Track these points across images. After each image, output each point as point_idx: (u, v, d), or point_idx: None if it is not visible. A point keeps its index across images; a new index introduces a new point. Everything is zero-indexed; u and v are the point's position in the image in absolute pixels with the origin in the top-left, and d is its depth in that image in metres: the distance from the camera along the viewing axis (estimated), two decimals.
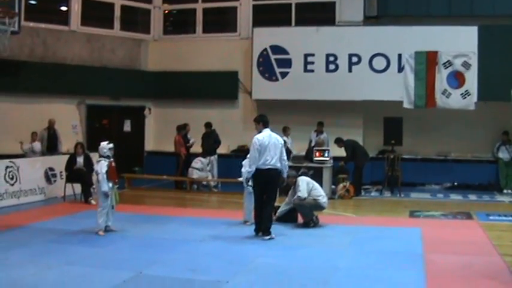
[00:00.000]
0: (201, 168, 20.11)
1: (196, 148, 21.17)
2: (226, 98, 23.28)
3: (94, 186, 16.98)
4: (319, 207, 13.73)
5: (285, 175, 12.80)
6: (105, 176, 12.54)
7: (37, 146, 19.95)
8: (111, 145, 12.87)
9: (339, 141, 19.47)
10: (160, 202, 18.02)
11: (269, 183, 12.30)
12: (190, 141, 21.09)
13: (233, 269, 9.68)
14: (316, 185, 14.01)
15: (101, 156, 12.85)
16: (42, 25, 21.59)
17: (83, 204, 16.56)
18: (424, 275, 9.39)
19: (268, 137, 12.35)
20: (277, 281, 9.09)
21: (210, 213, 15.85)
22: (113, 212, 12.73)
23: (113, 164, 12.77)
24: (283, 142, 12.77)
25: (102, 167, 12.61)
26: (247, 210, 13.59)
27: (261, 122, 12.62)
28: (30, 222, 13.69)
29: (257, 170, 12.15)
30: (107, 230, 12.55)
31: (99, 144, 12.96)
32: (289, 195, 13.98)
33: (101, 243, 11.56)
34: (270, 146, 12.21)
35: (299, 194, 13.47)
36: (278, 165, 12.31)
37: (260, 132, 12.49)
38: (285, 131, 19.92)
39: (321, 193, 13.81)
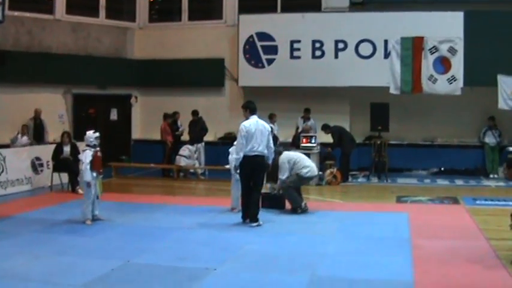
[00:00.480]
0: (189, 156, 20.12)
1: (184, 136, 21.16)
2: (212, 86, 23.27)
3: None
4: (304, 179, 13.71)
5: (270, 162, 12.79)
6: (88, 166, 12.45)
7: (24, 139, 19.85)
8: (97, 134, 12.78)
9: (325, 128, 19.51)
10: (147, 190, 17.98)
11: (256, 170, 12.29)
12: (180, 129, 21.10)
13: (221, 256, 9.70)
14: (300, 157, 13.99)
15: (87, 145, 12.77)
16: (27, 14, 21.47)
17: (70, 194, 16.49)
18: (411, 260, 9.45)
19: (255, 123, 12.32)
20: (265, 267, 9.12)
21: (197, 201, 15.84)
22: (98, 202, 12.69)
23: (99, 153, 12.67)
24: (270, 129, 12.75)
25: (86, 156, 12.51)
26: (234, 197, 13.59)
27: (248, 109, 12.61)
28: (17, 212, 13.64)
29: (244, 157, 12.12)
30: (94, 219, 12.52)
31: (86, 133, 12.91)
32: None
33: (88, 233, 11.54)
34: (256, 132, 12.19)
35: (280, 176, 13.50)
36: (265, 152, 12.31)
37: (247, 119, 12.47)
38: (271, 118, 19.91)
39: (304, 164, 13.74)
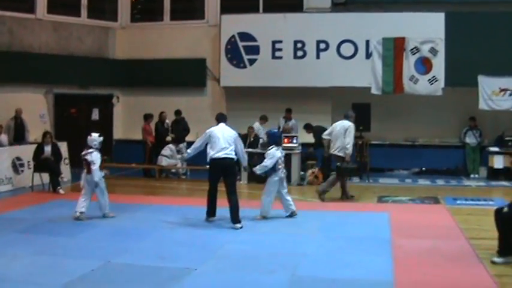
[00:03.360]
0: (170, 156, 20.14)
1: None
2: (194, 86, 23.22)
3: (62, 175, 16.97)
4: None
5: (245, 164, 13.36)
6: (98, 166, 12.78)
7: (4, 138, 19.73)
8: (101, 138, 13.23)
9: (308, 128, 19.57)
10: (129, 190, 17.93)
11: (226, 173, 12.45)
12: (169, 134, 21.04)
13: (202, 256, 9.70)
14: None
15: (90, 147, 12.98)
16: (8, 13, 21.31)
17: (51, 194, 16.46)
18: (391, 259, 9.49)
19: (220, 128, 12.65)
20: (245, 267, 9.14)
21: (178, 201, 15.84)
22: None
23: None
24: (236, 134, 12.85)
25: (96, 158, 12.83)
26: (265, 204, 12.97)
27: (216, 119, 13.02)
28: None
29: (214, 159, 12.34)
30: (104, 216, 12.89)
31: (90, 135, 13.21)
32: None
33: (69, 233, 11.50)
34: (221, 136, 12.43)
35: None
36: (233, 155, 12.50)
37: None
38: (260, 119, 20.31)
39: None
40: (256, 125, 20.28)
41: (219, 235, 11.42)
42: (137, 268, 9.01)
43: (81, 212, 12.62)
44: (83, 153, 13.03)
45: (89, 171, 12.78)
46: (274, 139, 13.37)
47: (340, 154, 15.42)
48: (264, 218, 12.92)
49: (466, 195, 16.57)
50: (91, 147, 12.96)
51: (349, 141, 15.39)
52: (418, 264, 9.28)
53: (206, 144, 12.61)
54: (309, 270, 9.01)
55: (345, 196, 15.82)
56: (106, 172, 13.48)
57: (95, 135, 13.13)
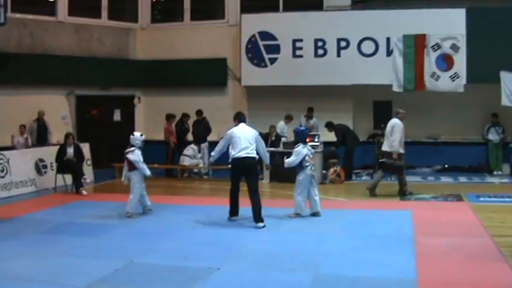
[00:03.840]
0: (193, 155, 20.20)
1: (187, 136, 21.19)
2: (215, 85, 23.23)
3: (85, 177, 17.07)
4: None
5: (267, 161, 13.32)
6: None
7: (28, 139, 19.93)
8: (143, 137, 13.73)
9: (329, 126, 19.52)
10: (151, 191, 17.72)
11: (247, 172, 12.48)
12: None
13: (224, 256, 9.72)
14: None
15: (131, 146, 13.43)
16: (29, 16, 21.50)
17: (74, 195, 16.58)
18: (414, 257, 9.44)
19: (241, 128, 12.65)
20: (268, 266, 9.14)
21: (201, 201, 15.90)
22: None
23: None
24: (257, 133, 12.87)
25: (139, 155, 13.40)
26: (297, 202, 13.07)
27: (235, 119, 13.02)
28: (21, 214, 13.68)
29: (236, 159, 12.36)
30: (143, 212, 13.44)
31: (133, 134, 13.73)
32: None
33: (92, 233, 11.56)
34: (242, 136, 12.44)
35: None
36: (254, 154, 12.51)
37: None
38: (286, 118, 20.64)
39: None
40: (281, 123, 20.38)
41: (242, 234, 11.44)
42: (160, 268, 9.04)
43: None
44: (126, 151, 13.49)
45: (131, 169, 13.33)
46: (302, 137, 13.39)
47: (388, 149, 16.10)
48: (298, 215, 12.99)
49: (489, 192, 16.47)
50: (133, 146, 13.40)
51: (395, 138, 15.88)
52: (441, 262, 9.24)
53: (229, 145, 12.62)
54: (332, 269, 9.01)
55: (370, 191, 16.10)
56: None
57: (137, 134, 13.75)
